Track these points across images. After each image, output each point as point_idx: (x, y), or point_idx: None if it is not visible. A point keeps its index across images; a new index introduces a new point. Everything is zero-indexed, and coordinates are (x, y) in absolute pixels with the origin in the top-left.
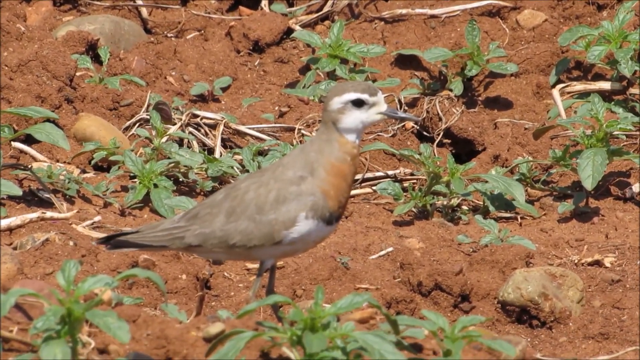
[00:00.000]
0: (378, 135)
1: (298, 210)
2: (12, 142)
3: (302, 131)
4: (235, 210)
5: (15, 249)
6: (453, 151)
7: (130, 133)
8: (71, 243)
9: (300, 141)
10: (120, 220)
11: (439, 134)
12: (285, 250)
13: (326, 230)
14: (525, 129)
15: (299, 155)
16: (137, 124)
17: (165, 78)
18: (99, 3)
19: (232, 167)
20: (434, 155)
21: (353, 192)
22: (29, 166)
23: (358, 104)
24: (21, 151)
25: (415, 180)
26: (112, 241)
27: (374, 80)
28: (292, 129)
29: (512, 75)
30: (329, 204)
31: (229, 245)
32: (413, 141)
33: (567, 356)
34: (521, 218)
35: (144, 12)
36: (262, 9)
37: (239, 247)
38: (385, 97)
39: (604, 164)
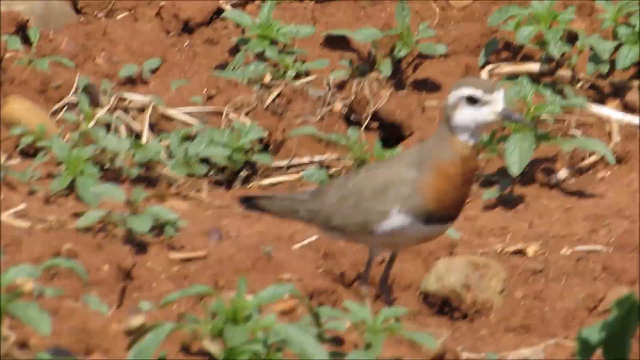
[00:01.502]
0: (305, 119)
1: (392, 204)
2: None
3: (230, 115)
4: (344, 193)
5: None
6: (382, 135)
7: (59, 117)
8: None
9: (228, 125)
10: (45, 209)
11: (366, 118)
12: (383, 241)
13: (426, 230)
14: None
15: (415, 150)
16: (65, 108)
17: (95, 59)
18: None
19: (159, 153)
20: (362, 140)
21: (279, 178)
22: None
23: (472, 100)
24: None
25: (342, 166)
26: (249, 203)
27: (304, 62)
28: (220, 113)
29: (441, 56)
30: (427, 204)
31: (330, 226)
32: (340, 125)
33: (488, 349)
34: None
35: None
36: None
37: (338, 231)
38: (314, 78)
39: (531, 149)
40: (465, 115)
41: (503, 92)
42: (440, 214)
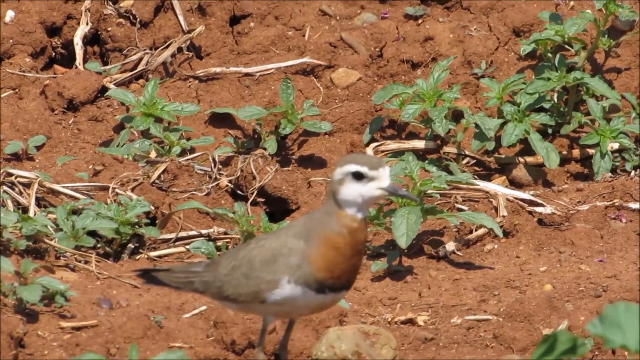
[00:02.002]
0: (192, 193)
1: (282, 273)
2: None
3: (117, 190)
4: (235, 263)
5: None
6: (267, 210)
7: None
8: None
9: (115, 199)
10: None
11: (252, 193)
12: (275, 310)
13: (319, 299)
14: None
15: (303, 221)
16: None
17: None
18: None
19: (47, 226)
20: (248, 214)
21: (166, 251)
22: None
23: (357, 176)
24: None
25: (229, 239)
26: (147, 276)
27: (189, 139)
28: (106, 188)
29: (326, 133)
30: (317, 273)
31: (223, 296)
32: (227, 200)
33: None
34: None
35: None
36: (76, 67)
37: (231, 300)
38: (200, 155)
39: (418, 222)
40: (351, 190)
41: (388, 168)
42: (331, 283)
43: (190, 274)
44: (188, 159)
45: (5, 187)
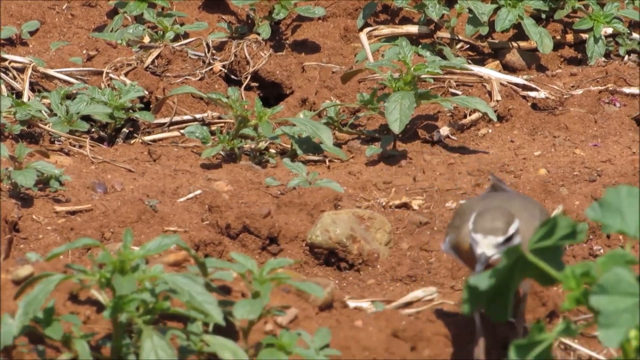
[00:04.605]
0: (186, 78)
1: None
2: None
3: (111, 75)
4: None
5: None
6: (261, 95)
7: None
8: None
9: (108, 84)
10: None
11: (246, 78)
12: None
13: None
14: (333, 72)
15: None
16: None
17: None
18: None
19: (41, 111)
20: (242, 98)
21: (160, 135)
22: None
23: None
24: None
25: (223, 124)
26: None
27: (182, 24)
28: (100, 73)
29: (319, 18)
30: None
31: None
32: (221, 84)
33: (375, 298)
34: (329, 161)
35: None
36: None
37: None
38: (193, 40)
39: (411, 107)
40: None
41: (493, 238)
42: None
43: None
44: (182, 44)
45: None
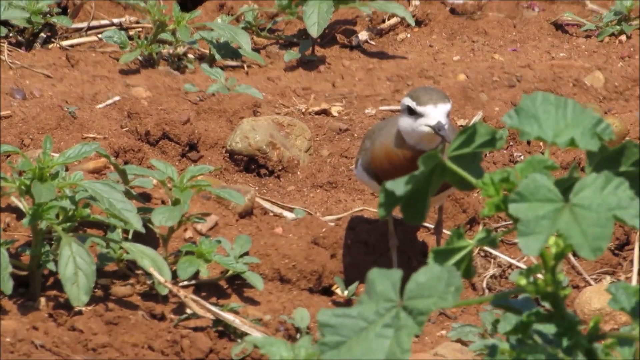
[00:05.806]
0: None
1: (359, 153)
2: None
3: None
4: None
5: None
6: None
7: None
8: None
9: None
10: None
11: None
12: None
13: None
14: None
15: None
16: None
17: None
18: None
19: None
20: (160, 3)
21: (78, 40)
22: None
23: (410, 111)
24: None
25: (141, 29)
26: None
27: None
28: None
29: None
30: (373, 167)
31: None
32: None
33: (296, 204)
34: (248, 67)
35: None
36: None
37: None
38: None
39: (329, 11)
40: (405, 123)
41: (443, 106)
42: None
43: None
44: None
45: None
